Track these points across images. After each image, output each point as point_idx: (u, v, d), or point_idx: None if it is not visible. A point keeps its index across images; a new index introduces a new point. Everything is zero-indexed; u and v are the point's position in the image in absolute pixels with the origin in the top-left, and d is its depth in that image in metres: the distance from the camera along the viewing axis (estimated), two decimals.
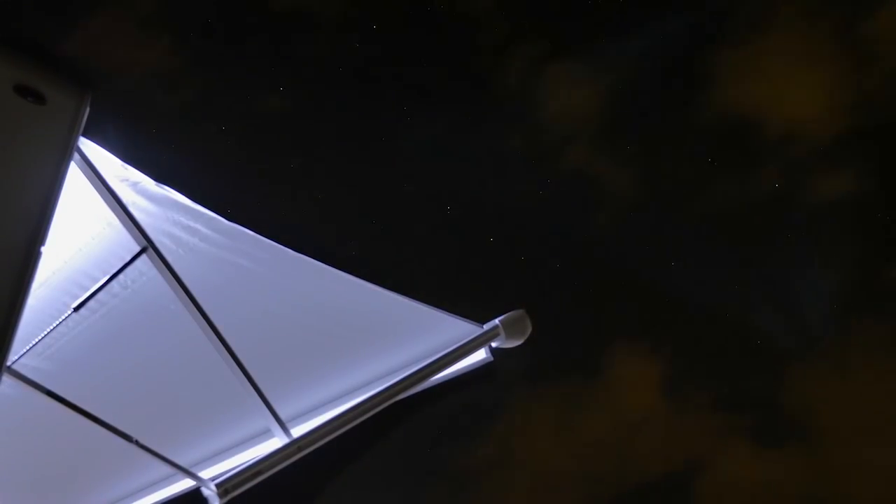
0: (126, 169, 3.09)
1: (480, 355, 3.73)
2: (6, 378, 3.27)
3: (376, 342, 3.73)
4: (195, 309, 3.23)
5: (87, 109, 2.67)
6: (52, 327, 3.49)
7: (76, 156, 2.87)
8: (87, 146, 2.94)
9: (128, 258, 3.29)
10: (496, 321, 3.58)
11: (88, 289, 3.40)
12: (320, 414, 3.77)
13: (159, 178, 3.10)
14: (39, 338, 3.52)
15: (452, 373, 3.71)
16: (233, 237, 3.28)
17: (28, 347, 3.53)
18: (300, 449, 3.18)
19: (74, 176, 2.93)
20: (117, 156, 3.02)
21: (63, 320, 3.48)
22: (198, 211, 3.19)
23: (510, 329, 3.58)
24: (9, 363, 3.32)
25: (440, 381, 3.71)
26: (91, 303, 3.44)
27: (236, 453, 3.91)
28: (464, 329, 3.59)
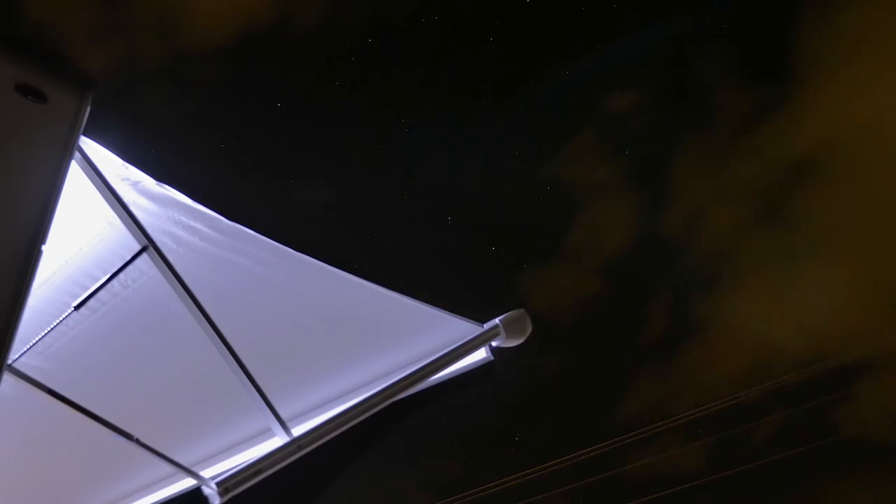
0: (127, 168, 3.09)
1: (481, 354, 3.72)
2: (7, 377, 3.27)
3: (377, 341, 3.73)
4: (196, 308, 3.22)
5: (88, 108, 2.67)
6: (52, 326, 3.49)
7: (77, 155, 2.87)
8: (88, 145, 2.94)
9: (128, 257, 3.29)
10: (496, 320, 3.58)
11: (89, 288, 3.39)
12: (321, 413, 3.77)
13: (160, 177, 3.11)
14: (40, 336, 3.52)
15: (453, 372, 3.71)
16: (234, 236, 3.28)
17: (29, 346, 3.53)
18: (300, 448, 3.18)
19: (75, 175, 2.93)
20: (118, 155, 3.02)
21: (63, 319, 3.48)
22: (198, 210, 3.19)
23: (510, 328, 3.58)
24: (9, 362, 3.32)
25: (441, 381, 3.71)
26: (92, 302, 3.44)
27: (237, 452, 3.91)
28: (464, 328, 3.58)
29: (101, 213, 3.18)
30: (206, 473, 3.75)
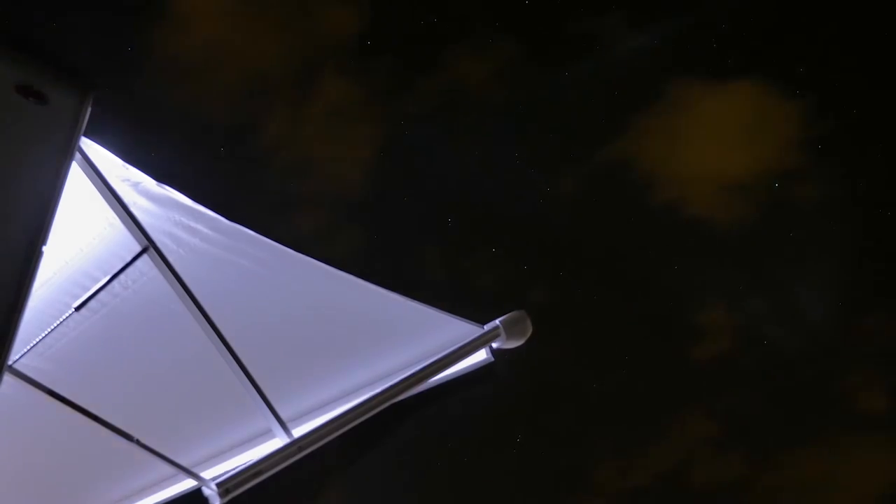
0: (127, 169, 3.09)
1: (481, 356, 3.72)
2: (7, 378, 3.27)
3: (377, 342, 3.73)
4: (196, 309, 3.22)
5: (89, 109, 2.67)
6: (53, 327, 3.49)
7: (77, 156, 2.87)
8: (89, 146, 2.94)
9: (129, 258, 3.29)
10: (497, 322, 3.58)
11: (89, 289, 3.40)
12: (321, 414, 3.77)
13: (160, 177, 3.11)
14: (40, 337, 3.52)
15: (453, 373, 3.71)
16: (234, 237, 3.28)
17: (29, 347, 3.53)
18: (301, 449, 3.17)
19: (76, 176, 2.92)
20: (119, 155, 3.02)
21: (64, 320, 3.48)
22: (199, 211, 3.19)
23: (511, 330, 3.57)
24: (10, 363, 3.32)
25: (441, 382, 3.71)
26: (92, 303, 3.44)
27: (237, 453, 3.91)
28: (464, 329, 3.58)
29: (101, 214, 3.18)
30: (207, 474, 3.74)
